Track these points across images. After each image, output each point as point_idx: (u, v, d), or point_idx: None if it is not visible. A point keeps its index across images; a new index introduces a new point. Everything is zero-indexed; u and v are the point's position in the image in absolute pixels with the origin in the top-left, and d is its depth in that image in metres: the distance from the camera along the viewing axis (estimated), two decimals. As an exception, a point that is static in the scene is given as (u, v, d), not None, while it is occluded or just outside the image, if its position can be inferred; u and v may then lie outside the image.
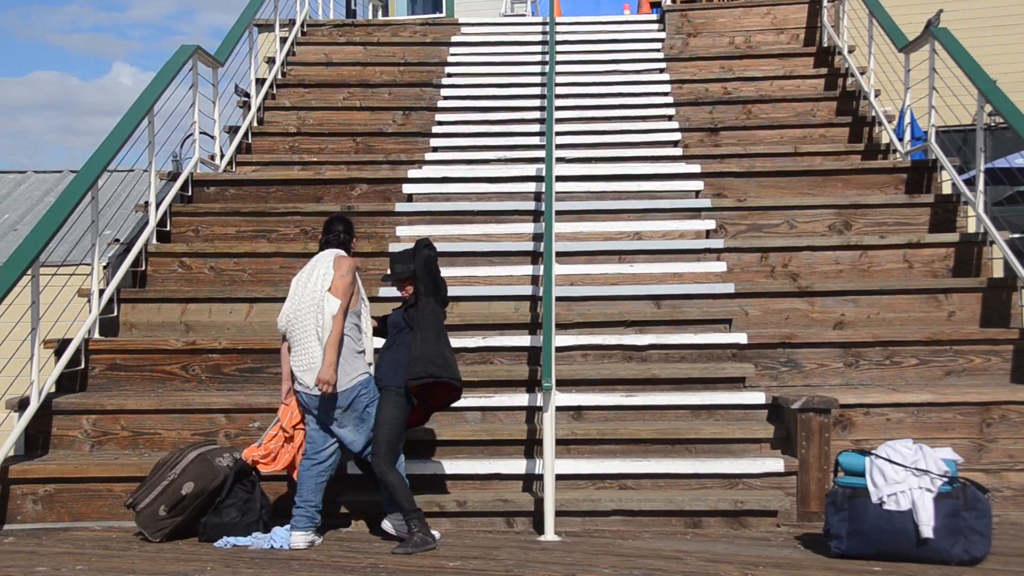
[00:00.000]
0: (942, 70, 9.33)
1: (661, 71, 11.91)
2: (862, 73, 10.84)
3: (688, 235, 9.03)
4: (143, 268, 8.80)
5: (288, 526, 6.18)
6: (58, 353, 7.63)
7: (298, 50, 12.56)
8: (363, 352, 6.32)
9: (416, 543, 5.95)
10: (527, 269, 8.64)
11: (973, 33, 13.27)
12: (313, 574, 5.51)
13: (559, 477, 6.51)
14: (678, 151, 10.36)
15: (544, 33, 12.64)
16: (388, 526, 6.28)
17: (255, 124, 11.13)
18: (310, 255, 6.58)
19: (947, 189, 9.43)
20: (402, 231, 9.11)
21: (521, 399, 7.32)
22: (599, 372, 7.56)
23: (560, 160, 9.80)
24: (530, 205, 9.37)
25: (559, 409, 6.94)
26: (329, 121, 11.30)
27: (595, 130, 10.85)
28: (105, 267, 8.60)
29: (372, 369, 6.35)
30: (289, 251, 8.85)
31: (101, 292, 8.10)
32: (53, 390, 7.46)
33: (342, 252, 6.43)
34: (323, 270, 6.26)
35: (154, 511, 6.23)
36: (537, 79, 11.78)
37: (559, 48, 12.04)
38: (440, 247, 8.76)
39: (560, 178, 9.37)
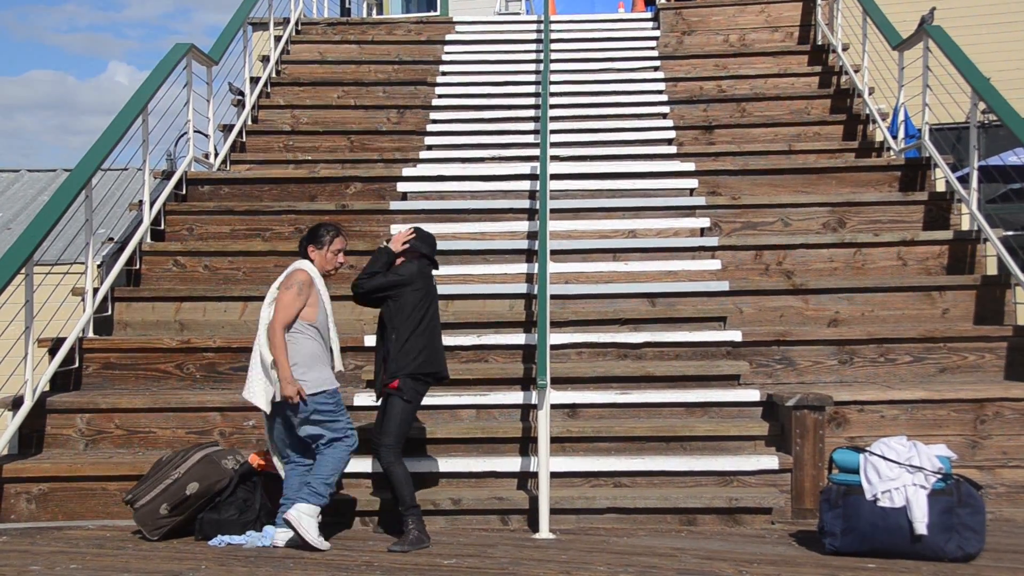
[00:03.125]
0: (936, 68, 9.35)
1: (656, 69, 11.92)
2: (856, 71, 10.85)
3: (682, 233, 9.04)
4: (137, 267, 8.79)
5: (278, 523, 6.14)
6: (52, 352, 7.62)
7: (292, 48, 12.55)
8: (327, 364, 6.16)
9: (412, 541, 5.95)
10: (522, 267, 8.64)
11: (967, 31, 13.32)
12: (308, 572, 5.50)
13: (554, 475, 6.51)
14: (672, 149, 10.37)
15: (539, 31, 12.65)
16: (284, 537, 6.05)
17: (249, 122, 11.11)
18: (304, 254, 6.55)
19: (941, 187, 9.44)
20: (397, 229, 9.08)
21: (516, 397, 7.32)
22: (594, 370, 7.56)
23: (555, 158, 9.80)
24: (524, 203, 9.38)
25: (554, 407, 6.93)
26: (323, 119, 11.28)
27: (590, 128, 10.86)
28: (99, 266, 8.59)
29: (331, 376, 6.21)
30: (284, 250, 8.82)
31: (95, 291, 8.09)
32: (47, 389, 7.46)
33: (304, 264, 6.24)
34: (276, 284, 6.18)
35: (154, 509, 6.20)
36: (532, 77, 11.79)
37: (554, 46, 12.05)
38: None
39: (554, 176, 9.37)
